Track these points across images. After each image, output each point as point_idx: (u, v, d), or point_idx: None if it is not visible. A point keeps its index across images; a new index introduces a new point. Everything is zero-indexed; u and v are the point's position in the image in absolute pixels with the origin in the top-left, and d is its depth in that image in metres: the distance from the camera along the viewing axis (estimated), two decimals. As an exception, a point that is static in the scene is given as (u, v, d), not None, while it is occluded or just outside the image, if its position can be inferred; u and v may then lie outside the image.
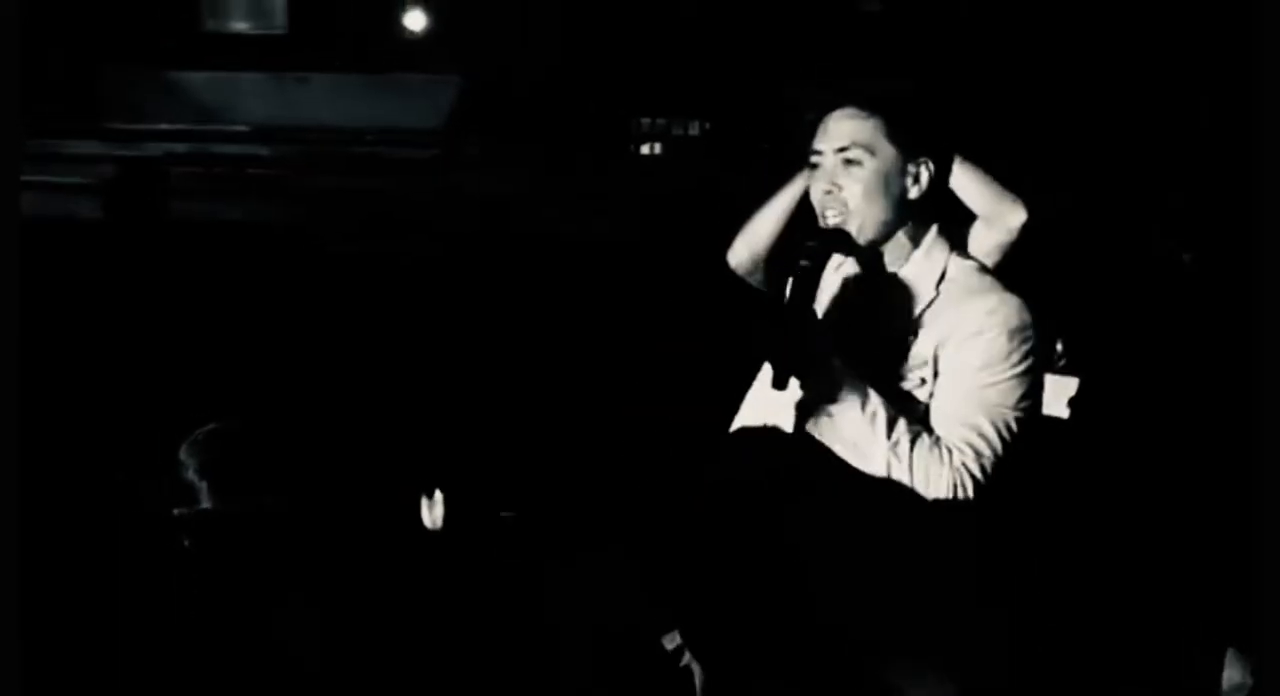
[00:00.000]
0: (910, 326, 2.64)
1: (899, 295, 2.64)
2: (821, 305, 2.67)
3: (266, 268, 5.75)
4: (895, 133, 2.63)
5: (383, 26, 9.48)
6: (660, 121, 9.58)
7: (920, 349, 2.61)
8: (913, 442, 2.50)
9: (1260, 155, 2.43)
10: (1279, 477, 2.07)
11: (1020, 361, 2.62)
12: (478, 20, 9.12)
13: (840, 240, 2.65)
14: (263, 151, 8.24)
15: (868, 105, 2.63)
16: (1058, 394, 3.87)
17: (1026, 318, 2.65)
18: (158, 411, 4.47)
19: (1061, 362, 3.99)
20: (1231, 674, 2.99)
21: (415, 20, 9.73)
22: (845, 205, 2.59)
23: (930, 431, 2.51)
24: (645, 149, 9.64)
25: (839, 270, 2.69)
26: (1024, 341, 2.64)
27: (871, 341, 2.57)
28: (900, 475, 2.48)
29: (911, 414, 2.56)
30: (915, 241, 2.64)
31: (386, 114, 8.88)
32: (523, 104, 9.06)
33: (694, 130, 10.52)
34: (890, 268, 2.69)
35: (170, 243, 5.85)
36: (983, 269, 2.78)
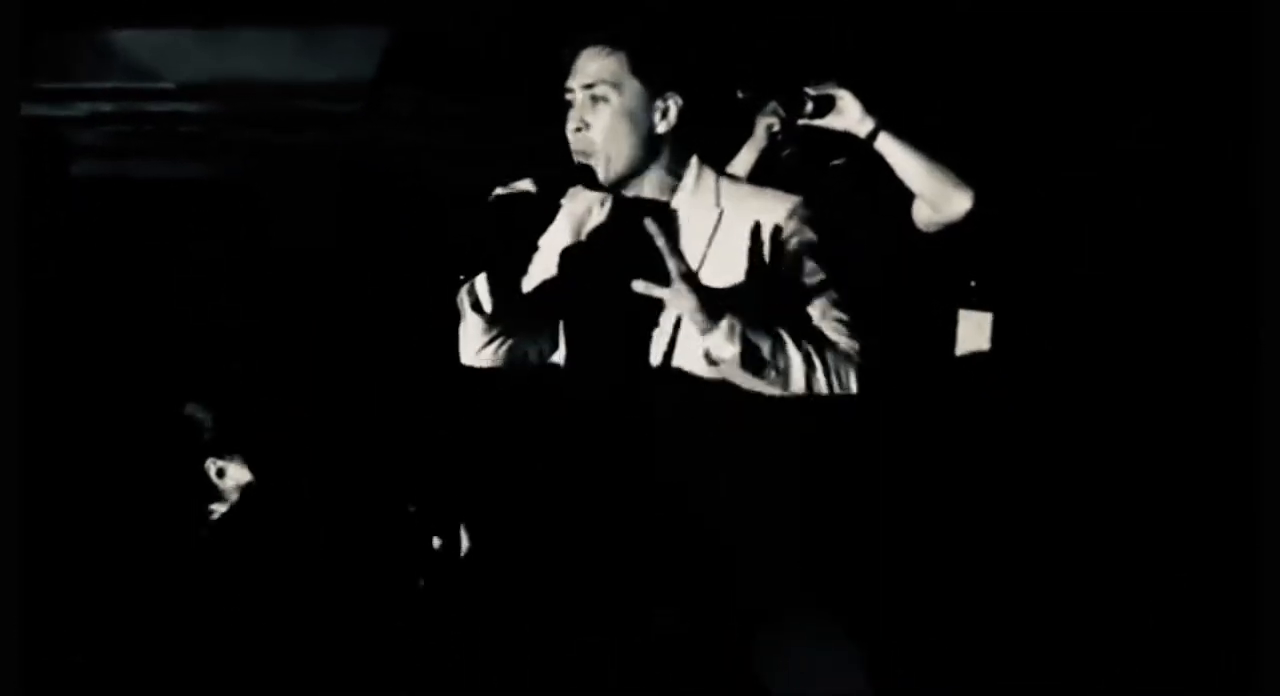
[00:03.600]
0: (709, 248, 2.68)
1: (687, 224, 2.67)
2: (603, 258, 2.66)
3: (201, 224, 5.76)
4: (640, 67, 2.68)
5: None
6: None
7: (736, 262, 2.64)
8: (819, 348, 2.55)
9: (1260, 155, 2.49)
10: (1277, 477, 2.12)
11: (824, 248, 2.72)
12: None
13: (583, 176, 2.66)
14: (191, 108, 8.20)
15: (612, 41, 2.67)
16: (973, 329, 3.96)
17: (811, 210, 2.75)
18: (100, 368, 4.49)
19: (974, 299, 4.08)
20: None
21: (341, -27, 9.65)
22: (592, 142, 2.63)
23: (809, 336, 2.57)
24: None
25: (602, 216, 2.69)
26: (820, 232, 2.74)
27: (690, 274, 2.59)
28: (819, 381, 2.52)
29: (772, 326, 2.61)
30: (675, 174, 2.70)
31: (315, 68, 8.86)
32: (456, 56, 9.06)
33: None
34: (658, 200, 2.71)
35: (94, 202, 5.85)
36: (748, 181, 2.86)
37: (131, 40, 8.40)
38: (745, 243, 2.63)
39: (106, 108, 7.78)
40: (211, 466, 2.80)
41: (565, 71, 2.68)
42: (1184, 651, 2.89)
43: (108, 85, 7.90)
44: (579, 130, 2.70)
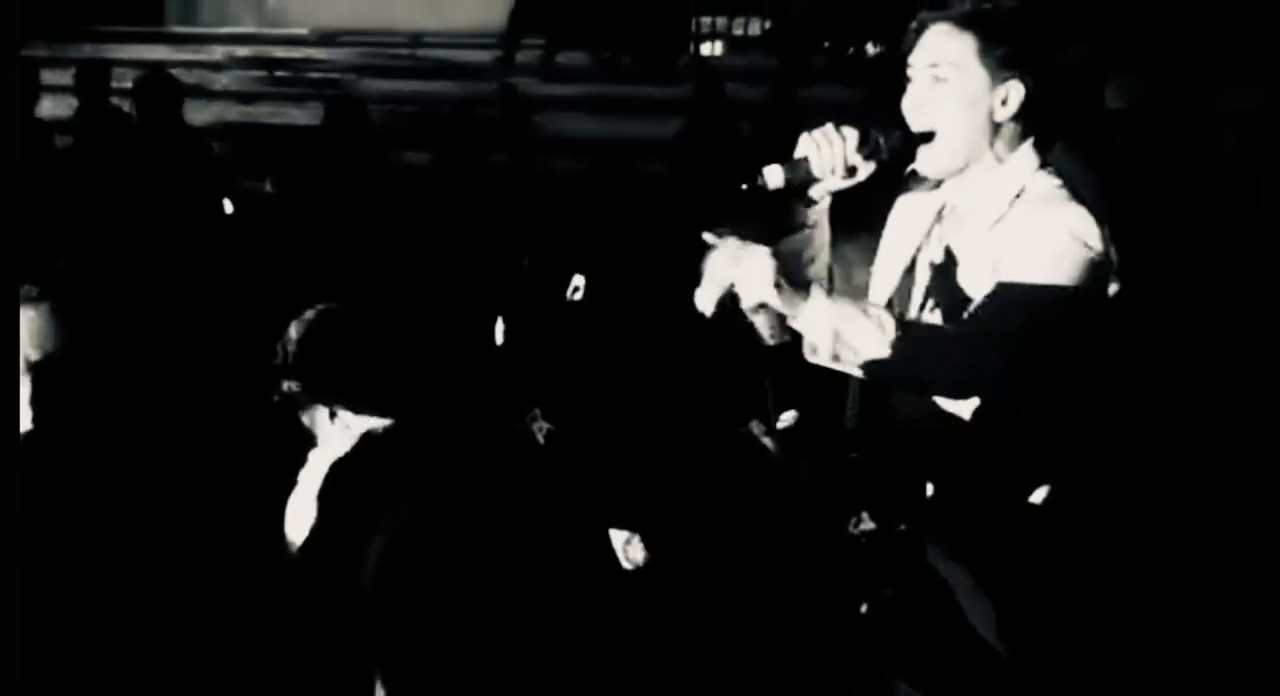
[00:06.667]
0: (973, 245, 2.61)
1: (968, 214, 2.61)
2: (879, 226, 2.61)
3: (326, 170, 5.82)
4: (986, 52, 2.58)
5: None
6: (721, 20, 9.50)
7: (979, 268, 2.58)
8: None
9: (1260, 154, 2.41)
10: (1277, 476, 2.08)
11: (1076, 269, 2.58)
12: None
13: (907, 144, 2.61)
14: (322, 55, 8.32)
15: (961, 21, 2.58)
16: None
17: (1096, 231, 2.59)
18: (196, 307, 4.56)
19: None
20: None
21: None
22: (927, 120, 2.56)
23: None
24: (705, 48, 9.57)
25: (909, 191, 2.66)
26: (1085, 249, 2.59)
27: (935, 265, 2.55)
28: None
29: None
30: (1002, 160, 2.61)
31: (444, 17, 8.91)
32: (580, 4, 9.04)
33: (754, 29, 10.40)
34: (974, 185, 2.64)
35: (228, 145, 5.94)
36: (1064, 186, 2.69)
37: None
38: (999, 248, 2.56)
39: (241, 52, 7.91)
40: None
41: (911, 46, 2.62)
42: (1183, 651, 2.82)
43: (241, 30, 8.08)
44: (915, 108, 2.61)
